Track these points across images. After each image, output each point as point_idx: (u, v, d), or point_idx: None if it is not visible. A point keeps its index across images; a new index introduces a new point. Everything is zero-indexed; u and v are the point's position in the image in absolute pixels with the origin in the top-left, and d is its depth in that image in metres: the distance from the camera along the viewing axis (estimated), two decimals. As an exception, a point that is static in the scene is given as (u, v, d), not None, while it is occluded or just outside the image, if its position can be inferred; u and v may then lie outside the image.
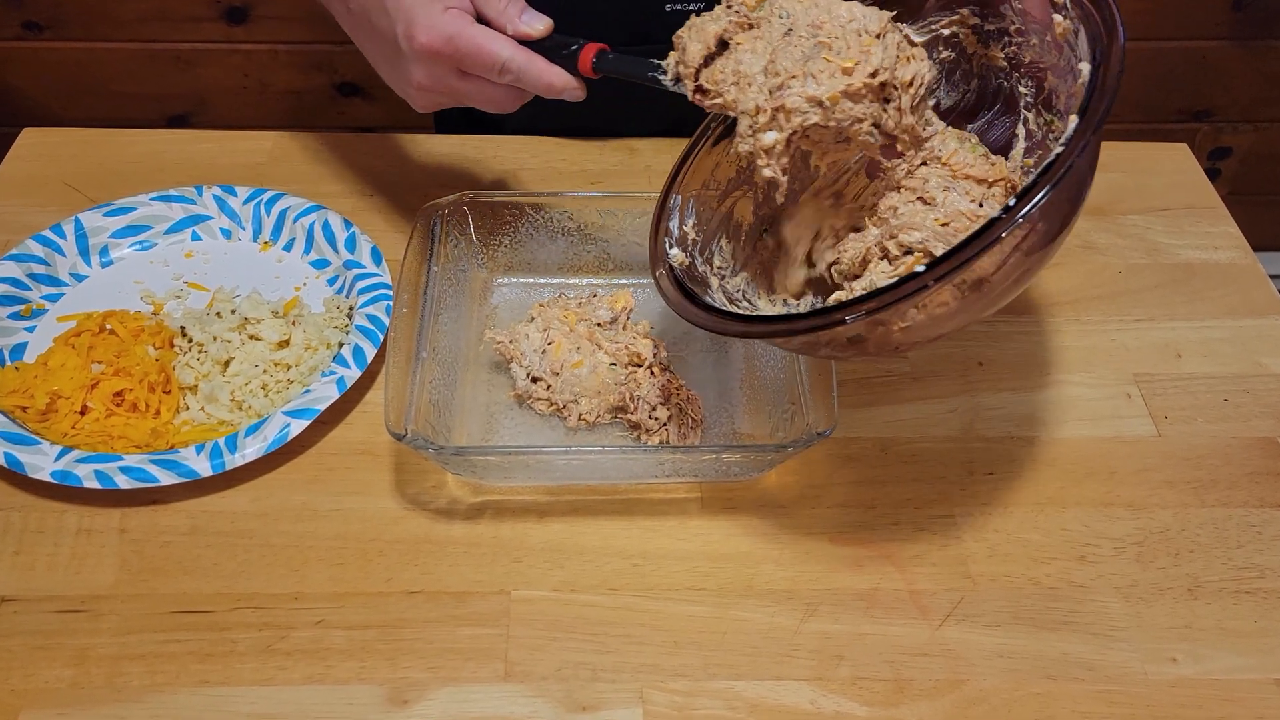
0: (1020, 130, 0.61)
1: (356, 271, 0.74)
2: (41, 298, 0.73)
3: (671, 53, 0.58)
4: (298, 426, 0.64)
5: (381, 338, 0.69)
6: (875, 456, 0.67)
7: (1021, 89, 0.60)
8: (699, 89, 0.57)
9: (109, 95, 1.52)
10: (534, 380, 0.67)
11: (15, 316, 0.71)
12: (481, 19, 0.61)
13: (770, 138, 0.53)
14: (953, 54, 0.63)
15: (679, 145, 0.88)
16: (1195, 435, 0.69)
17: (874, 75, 0.52)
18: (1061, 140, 0.47)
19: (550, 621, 0.59)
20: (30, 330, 0.71)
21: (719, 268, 0.63)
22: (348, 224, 0.77)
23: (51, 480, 0.60)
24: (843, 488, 0.65)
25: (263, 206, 0.79)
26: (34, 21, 1.43)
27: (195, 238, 0.79)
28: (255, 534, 0.62)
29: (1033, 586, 0.61)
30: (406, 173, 0.85)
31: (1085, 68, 0.50)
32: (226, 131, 0.88)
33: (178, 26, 1.45)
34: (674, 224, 0.62)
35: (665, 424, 0.65)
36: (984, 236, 0.46)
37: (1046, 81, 0.58)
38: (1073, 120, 0.48)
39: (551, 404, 0.66)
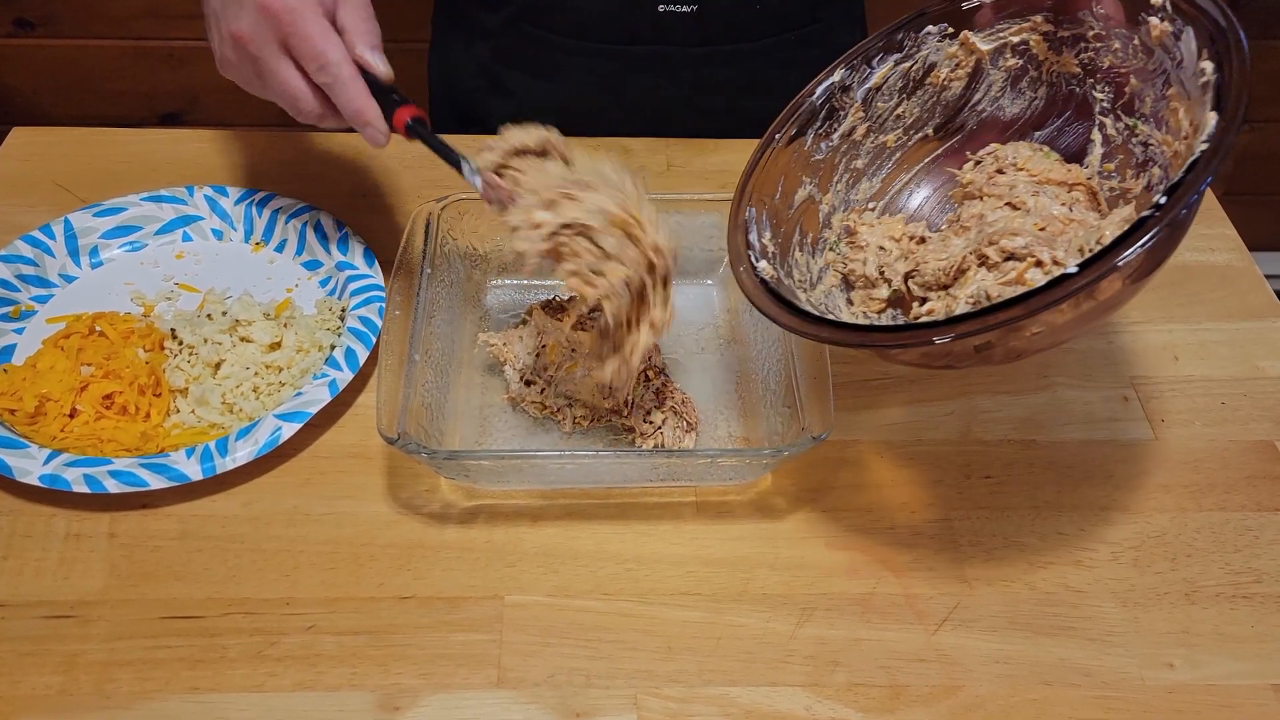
0: (1096, 135, 0.61)
1: (349, 273, 0.73)
2: (30, 299, 0.73)
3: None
4: (289, 430, 0.63)
5: (374, 340, 0.68)
6: (871, 460, 0.67)
7: (1097, 94, 0.60)
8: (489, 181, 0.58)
9: (101, 93, 1.51)
10: (527, 383, 0.66)
11: (4, 318, 0.71)
12: (336, 26, 0.60)
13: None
14: (1020, 61, 0.63)
15: (673, 145, 0.88)
16: (1192, 439, 0.69)
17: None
18: (1204, 137, 0.47)
19: (544, 627, 0.58)
20: (19, 332, 0.71)
21: (799, 280, 0.63)
22: (340, 225, 0.76)
23: (40, 484, 0.60)
24: (838, 491, 0.65)
25: (254, 207, 0.78)
26: (26, 19, 1.42)
27: (186, 238, 0.78)
28: (246, 538, 0.61)
29: (1029, 591, 0.60)
30: (400, 173, 0.85)
31: (1208, 66, 0.51)
32: (218, 131, 0.88)
33: (170, 24, 1.44)
34: (753, 237, 0.62)
35: (660, 428, 0.65)
36: (1137, 234, 0.45)
37: (1128, 85, 0.58)
38: (1212, 117, 0.48)
39: (545, 407, 0.66)
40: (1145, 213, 0.46)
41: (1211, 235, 0.83)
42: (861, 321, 0.63)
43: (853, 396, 0.70)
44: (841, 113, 0.66)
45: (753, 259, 0.60)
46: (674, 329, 0.70)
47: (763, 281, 0.59)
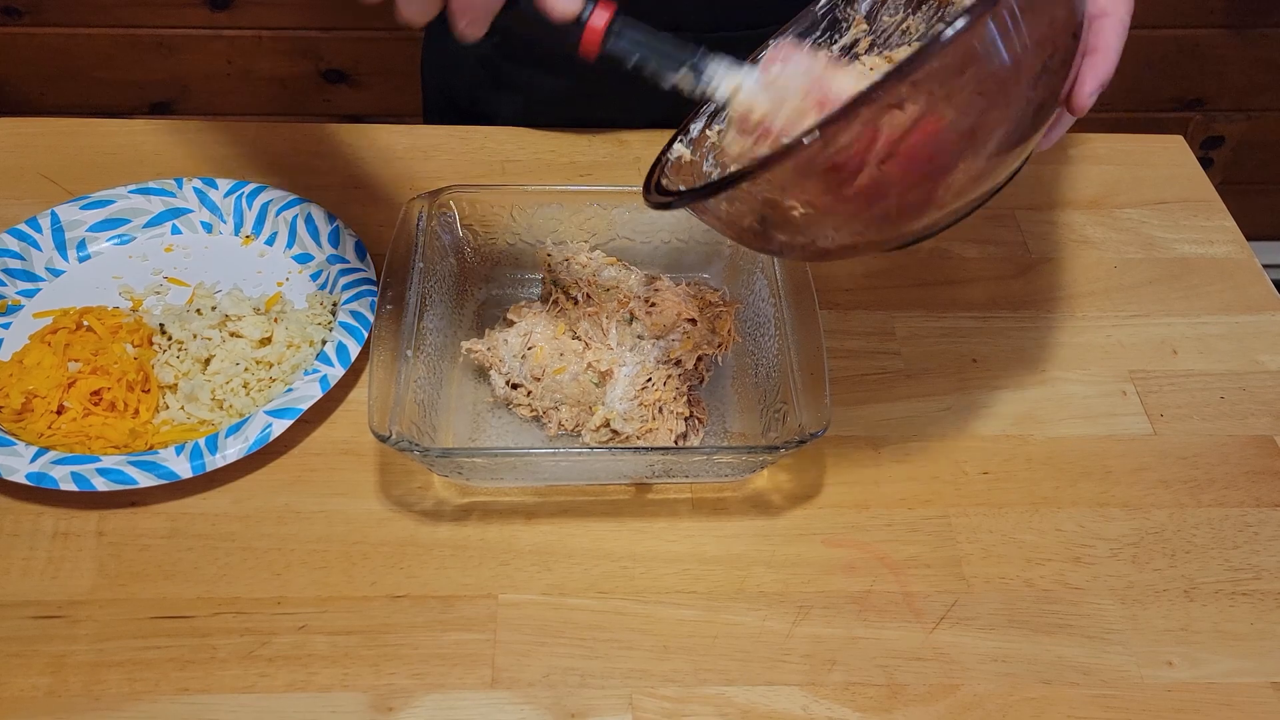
0: None
1: (340, 266, 0.72)
2: (17, 293, 0.72)
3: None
4: (280, 426, 0.63)
5: (366, 334, 0.68)
6: (868, 456, 0.66)
7: None
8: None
9: (90, 82, 1.50)
10: (514, 387, 0.65)
11: (-10, 313, 0.70)
12: None
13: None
14: None
15: (668, 136, 0.87)
16: (1191, 433, 0.68)
17: None
18: None
19: (538, 626, 0.58)
20: (6, 327, 0.70)
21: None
22: (331, 218, 0.75)
23: (27, 482, 0.59)
24: (835, 488, 0.64)
25: (244, 199, 0.77)
26: (13, 6, 1.40)
27: (175, 231, 0.77)
28: (236, 537, 0.61)
29: (1028, 589, 0.60)
30: (391, 164, 0.84)
31: None
32: (207, 122, 0.86)
33: (159, 11, 1.42)
34: (698, 125, 0.59)
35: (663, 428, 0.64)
36: (875, 83, 0.41)
37: None
38: None
39: (532, 410, 0.65)
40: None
41: (1211, 227, 0.82)
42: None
43: (849, 392, 0.70)
44: (844, 24, 0.64)
45: (678, 140, 0.58)
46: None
47: (665, 161, 0.57)
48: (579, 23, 0.49)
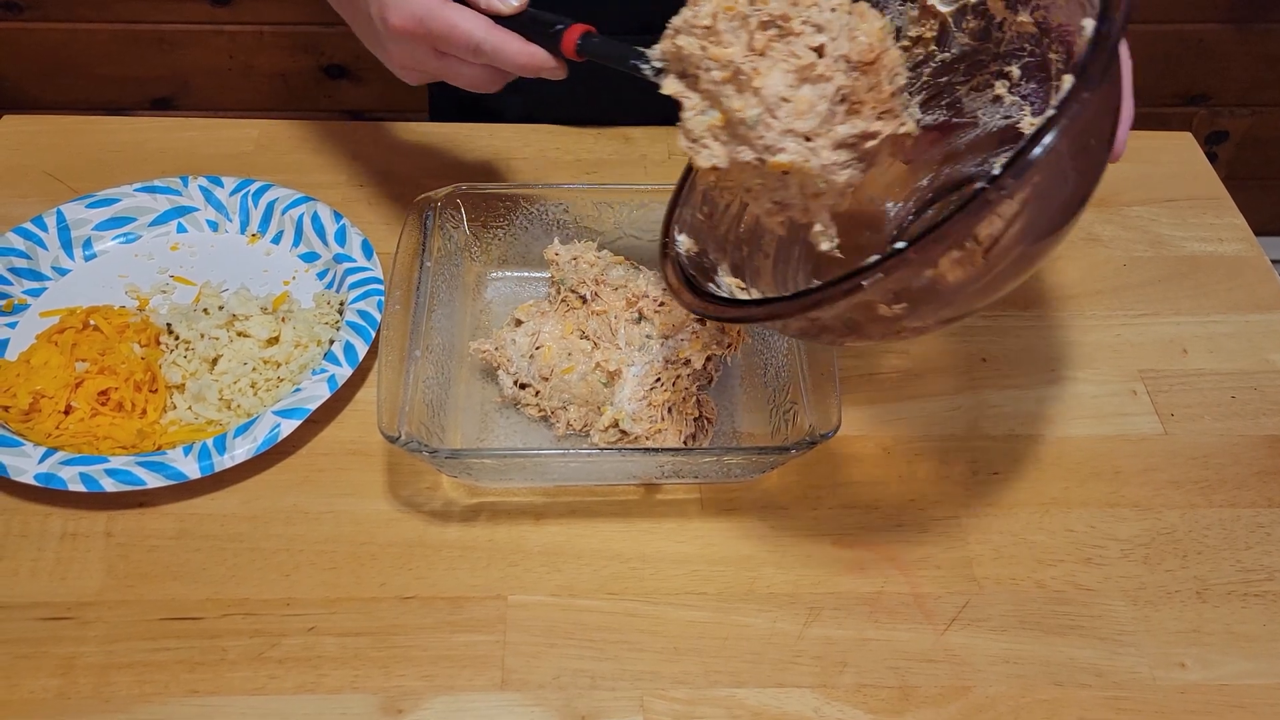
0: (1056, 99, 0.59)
1: (347, 265, 0.72)
2: (23, 292, 0.71)
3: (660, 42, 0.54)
4: (288, 426, 0.62)
5: (373, 334, 0.67)
6: (878, 456, 0.66)
7: (1053, 55, 0.57)
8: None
9: (90, 77, 1.49)
10: (522, 386, 0.65)
11: (-4, 312, 0.70)
12: None
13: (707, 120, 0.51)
14: (981, 23, 0.60)
15: (675, 133, 0.86)
16: (1202, 433, 0.68)
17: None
18: (1056, 102, 0.43)
19: (548, 627, 0.57)
20: (12, 326, 0.70)
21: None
22: (338, 216, 0.75)
23: (35, 483, 0.59)
24: (845, 488, 0.64)
25: (250, 198, 0.77)
26: (13, 2, 1.40)
27: (181, 230, 0.77)
28: (245, 537, 0.60)
29: (1039, 590, 0.60)
30: (398, 162, 0.83)
31: (1090, 24, 0.46)
32: (211, 119, 0.86)
33: (160, 7, 1.41)
34: (689, 211, 0.60)
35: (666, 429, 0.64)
36: (972, 207, 0.42)
37: (1075, 44, 0.55)
38: (1068, 80, 0.44)
39: (540, 410, 0.65)
40: (980, 185, 0.42)
41: (1220, 225, 0.82)
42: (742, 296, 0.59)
43: (858, 392, 0.69)
44: None
45: (677, 231, 0.59)
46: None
47: (677, 255, 0.57)
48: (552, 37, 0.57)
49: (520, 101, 0.90)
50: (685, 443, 0.63)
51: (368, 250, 0.73)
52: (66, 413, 0.63)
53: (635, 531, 0.62)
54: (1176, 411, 0.69)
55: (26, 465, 0.59)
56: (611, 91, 0.87)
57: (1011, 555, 0.61)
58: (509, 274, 0.74)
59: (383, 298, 0.69)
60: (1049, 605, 0.59)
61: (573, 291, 0.67)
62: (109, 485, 0.59)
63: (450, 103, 0.97)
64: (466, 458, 0.59)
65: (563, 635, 0.57)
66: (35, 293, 0.72)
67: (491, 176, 0.83)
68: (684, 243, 0.58)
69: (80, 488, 0.59)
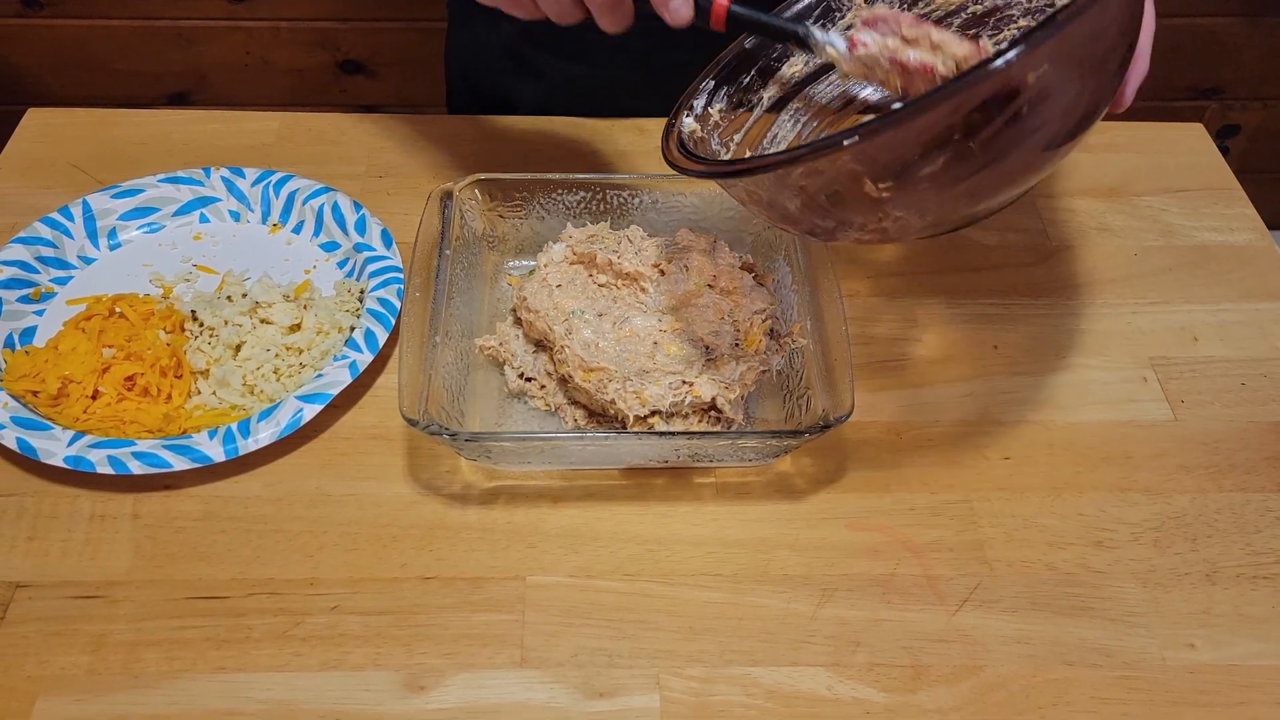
0: None
1: (367, 254, 0.73)
2: (50, 281, 0.73)
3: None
4: (310, 411, 0.64)
5: (393, 321, 0.68)
6: (890, 441, 0.67)
7: None
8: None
9: (109, 73, 1.51)
10: (527, 380, 0.66)
11: (24, 300, 0.71)
12: None
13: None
14: None
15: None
16: (1212, 419, 0.68)
17: None
18: None
19: (566, 607, 0.58)
20: (39, 314, 0.71)
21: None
22: (357, 206, 0.76)
23: (64, 465, 0.60)
24: (858, 473, 0.65)
25: (271, 188, 0.78)
26: (34, -2, 1.42)
27: (203, 220, 0.78)
28: (269, 519, 0.62)
29: (1050, 572, 0.61)
30: (416, 154, 0.84)
31: None
32: (233, 112, 0.87)
33: (178, 3, 1.43)
34: (699, 102, 0.61)
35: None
36: (979, 69, 0.42)
37: None
38: None
39: (547, 404, 0.66)
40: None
41: (1231, 215, 0.82)
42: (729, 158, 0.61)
43: (871, 378, 0.70)
44: (838, 13, 0.65)
45: (685, 115, 0.60)
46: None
47: (680, 134, 0.58)
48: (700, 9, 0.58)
49: (536, 94, 0.91)
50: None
51: (387, 239, 0.74)
52: (94, 397, 0.64)
53: (651, 515, 0.63)
54: (1187, 398, 0.70)
55: (56, 448, 0.61)
56: (626, 84, 0.88)
57: (1023, 538, 0.62)
58: (526, 263, 0.75)
59: (402, 286, 0.70)
60: (1060, 587, 0.60)
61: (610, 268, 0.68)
62: (136, 468, 0.60)
63: (467, 96, 0.98)
64: (486, 440, 0.60)
65: (580, 615, 0.58)
66: (62, 281, 0.73)
67: (508, 167, 0.84)
68: (688, 125, 0.59)
69: (108, 470, 0.60)
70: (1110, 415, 0.69)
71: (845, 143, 0.44)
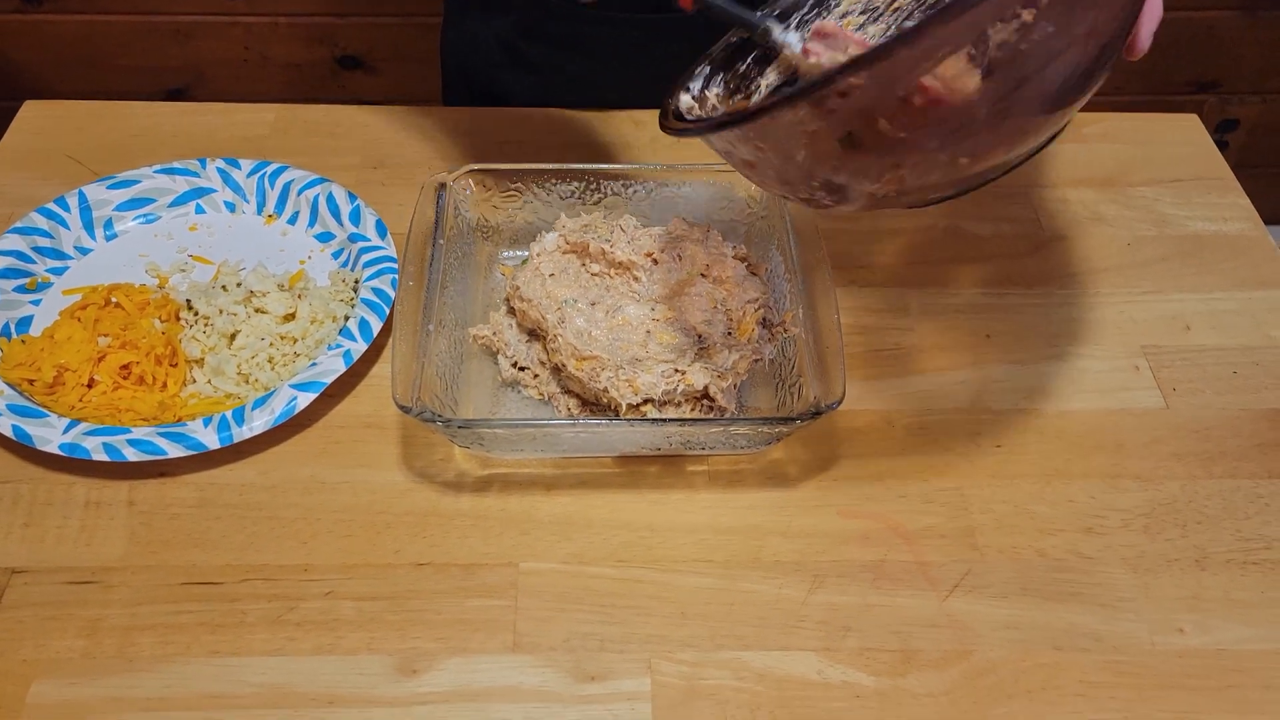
0: None
1: (361, 245, 0.73)
2: (46, 270, 0.73)
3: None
4: (304, 399, 0.64)
5: (387, 311, 0.69)
6: (882, 429, 0.67)
7: None
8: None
9: (107, 68, 1.51)
10: (520, 369, 0.67)
11: (20, 290, 0.71)
12: None
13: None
14: None
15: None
16: (1203, 407, 0.69)
17: None
18: None
19: (558, 593, 0.59)
20: (36, 304, 0.71)
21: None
22: (352, 197, 0.76)
23: (60, 452, 0.60)
24: (850, 461, 0.65)
25: (267, 179, 0.78)
26: (33, -7, 1.42)
27: (199, 211, 0.78)
28: (264, 506, 0.62)
29: (1040, 558, 0.61)
30: (411, 145, 0.85)
31: None
32: (228, 104, 0.88)
33: (177, -1, 1.44)
34: (696, 85, 0.61)
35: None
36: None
37: None
38: None
39: (540, 393, 0.66)
40: None
41: (1224, 204, 0.82)
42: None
43: (864, 367, 0.70)
44: (833, 3, 0.64)
45: (681, 94, 0.59)
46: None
47: (676, 109, 0.58)
48: None
49: (531, 88, 0.91)
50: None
51: (381, 230, 0.74)
52: (89, 386, 0.65)
53: (644, 503, 0.63)
54: (1179, 386, 0.70)
55: (52, 435, 0.61)
56: (620, 78, 0.88)
57: (1013, 525, 0.62)
58: (520, 253, 0.75)
59: (397, 276, 0.71)
60: (1050, 573, 0.60)
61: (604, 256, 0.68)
62: (131, 455, 0.61)
63: (463, 90, 0.98)
64: (479, 428, 0.60)
65: (573, 600, 0.58)
66: (58, 271, 0.74)
67: (503, 159, 0.84)
68: (685, 102, 0.59)
69: (104, 457, 0.60)
70: (1102, 404, 0.69)
71: (861, 62, 0.42)
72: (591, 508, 0.63)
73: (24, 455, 0.63)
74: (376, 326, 0.68)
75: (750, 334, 0.65)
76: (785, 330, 0.66)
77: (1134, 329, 0.74)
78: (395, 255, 0.73)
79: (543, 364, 0.67)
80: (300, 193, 0.77)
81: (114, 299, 0.69)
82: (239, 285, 0.70)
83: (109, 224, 0.76)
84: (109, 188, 0.77)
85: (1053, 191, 0.84)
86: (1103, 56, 0.48)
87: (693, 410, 0.64)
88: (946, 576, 0.60)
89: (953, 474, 0.65)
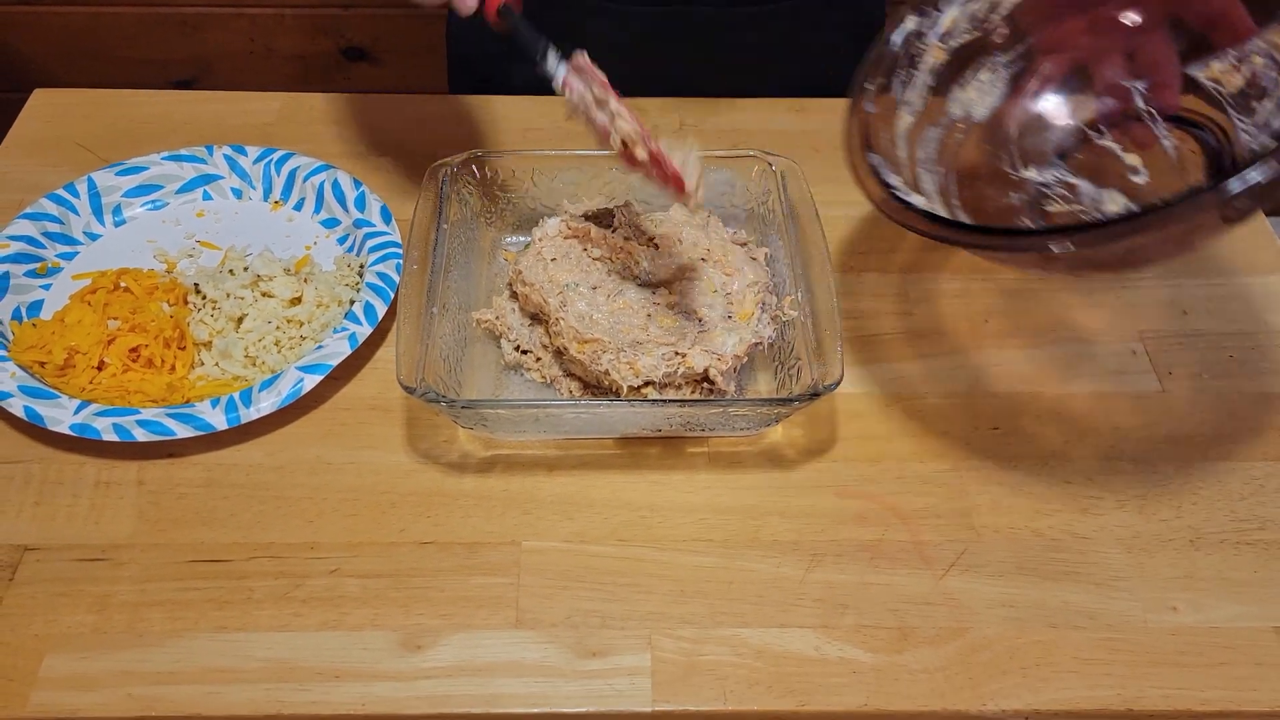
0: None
1: (366, 230, 0.74)
2: (57, 255, 0.74)
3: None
4: (311, 381, 0.65)
5: (392, 295, 0.70)
6: (881, 412, 0.68)
7: None
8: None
9: (113, 60, 1.52)
10: (523, 352, 0.68)
11: (31, 274, 0.72)
12: None
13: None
14: None
15: (686, 104, 0.89)
16: (1200, 391, 0.69)
17: None
18: None
19: (560, 571, 0.60)
20: (46, 288, 0.72)
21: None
22: (357, 183, 0.77)
23: (70, 433, 0.62)
24: (848, 443, 0.66)
25: (273, 166, 0.79)
26: (40, -15, 1.43)
27: (206, 197, 0.79)
28: (271, 486, 0.63)
29: (1035, 538, 0.62)
30: (415, 133, 0.86)
31: None
32: (235, 92, 0.89)
33: (183, -10, 1.44)
34: (892, 179, 0.61)
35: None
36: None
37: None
38: None
39: (543, 376, 0.67)
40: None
41: (1222, 192, 0.83)
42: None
43: (862, 350, 0.71)
44: (919, 58, 0.66)
45: (902, 198, 0.59)
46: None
47: (926, 214, 0.58)
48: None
49: (534, 75, 0.92)
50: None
51: (386, 216, 0.75)
52: (99, 368, 0.66)
53: (645, 483, 0.64)
54: (1175, 370, 0.71)
55: (62, 416, 0.62)
56: (619, 73, 0.89)
57: (1010, 506, 0.63)
58: (522, 239, 0.76)
59: (401, 261, 0.72)
60: (1045, 552, 0.61)
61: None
62: (140, 435, 0.62)
63: (468, 79, 0.99)
64: (482, 408, 0.61)
65: (574, 578, 0.59)
66: (68, 256, 0.75)
67: (506, 145, 0.85)
68: (920, 202, 0.59)
69: (113, 437, 0.61)
70: (1099, 387, 0.70)
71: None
72: (593, 488, 0.64)
73: (35, 435, 0.64)
74: (381, 310, 0.69)
75: (750, 317, 0.66)
76: (784, 313, 0.67)
77: (1131, 314, 0.74)
78: (400, 240, 0.74)
79: (545, 347, 0.68)
80: (306, 179, 0.78)
81: (123, 283, 0.70)
82: (246, 270, 0.71)
83: (118, 210, 0.77)
84: (118, 174, 0.78)
85: (1052, 178, 0.84)
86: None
87: (693, 393, 0.65)
88: (943, 556, 0.61)
89: (950, 456, 0.66)
